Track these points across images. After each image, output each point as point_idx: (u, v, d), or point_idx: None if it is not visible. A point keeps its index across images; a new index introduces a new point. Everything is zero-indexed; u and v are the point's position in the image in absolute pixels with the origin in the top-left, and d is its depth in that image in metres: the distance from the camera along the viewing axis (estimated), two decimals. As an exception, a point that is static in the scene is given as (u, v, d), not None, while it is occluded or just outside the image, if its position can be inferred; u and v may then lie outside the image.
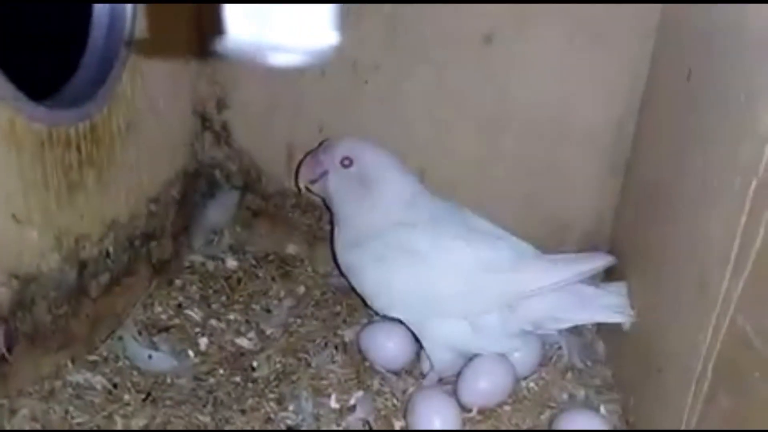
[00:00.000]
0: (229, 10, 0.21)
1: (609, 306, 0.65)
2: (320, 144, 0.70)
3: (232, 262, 0.82)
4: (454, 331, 0.64)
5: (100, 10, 0.59)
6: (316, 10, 0.21)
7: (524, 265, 0.64)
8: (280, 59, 0.20)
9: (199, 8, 0.68)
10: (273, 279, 0.80)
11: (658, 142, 0.65)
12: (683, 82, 0.58)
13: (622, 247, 0.72)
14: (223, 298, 0.76)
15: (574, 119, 0.73)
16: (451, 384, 0.66)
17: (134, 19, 0.60)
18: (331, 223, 0.72)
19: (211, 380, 0.65)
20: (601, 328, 0.72)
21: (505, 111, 0.74)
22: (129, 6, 0.60)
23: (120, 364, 0.64)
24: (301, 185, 0.69)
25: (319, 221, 0.82)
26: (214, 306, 0.75)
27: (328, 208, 0.71)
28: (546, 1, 0.67)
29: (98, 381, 0.61)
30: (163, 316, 0.72)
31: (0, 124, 0.48)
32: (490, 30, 0.70)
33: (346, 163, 0.66)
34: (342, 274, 0.71)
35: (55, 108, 0.54)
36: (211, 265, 0.81)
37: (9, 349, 0.52)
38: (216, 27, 0.21)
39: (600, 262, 0.65)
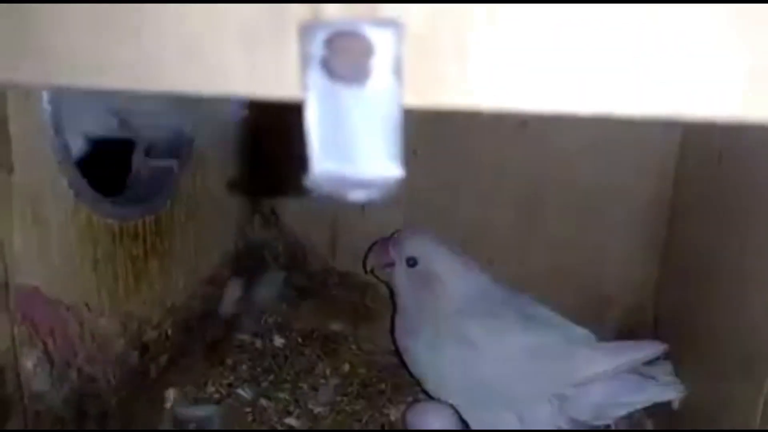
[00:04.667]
0: (312, 148, 0.25)
1: (661, 385, 0.65)
2: (394, 233, 0.73)
3: (279, 340, 0.84)
4: (500, 424, 0.64)
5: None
6: (384, 145, 0.25)
7: (576, 354, 0.64)
8: (357, 195, 0.24)
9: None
10: (319, 357, 0.82)
11: (694, 221, 0.67)
12: (714, 165, 0.60)
13: (665, 324, 0.72)
14: (272, 377, 0.78)
15: (611, 196, 0.75)
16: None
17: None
18: (393, 304, 0.75)
19: (262, 461, 0.67)
20: (649, 406, 0.71)
21: (542, 189, 0.77)
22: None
23: (176, 444, 0.67)
24: (367, 268, 0.73)
25: (363, 299, 0.85)
26: (263, 384, 0.77)
27: (391, 292, 0.74)
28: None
29: (156, 462, 0.63)
30: (216, 396, 0.74)
31: (80, 222, 0.53)
32: (525, 115, 0.74)
33: (411, 262, 0.69)
34: (400, 358, 0.73)
35: (126, 204, 0.59)
36: (259, 344, 0.83)
37: None
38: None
39: (652, 349, 0.65)
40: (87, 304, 0.56)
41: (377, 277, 0.75)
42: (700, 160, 0.66)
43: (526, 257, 0.79)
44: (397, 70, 0.23)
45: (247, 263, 0.85)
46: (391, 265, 0.71)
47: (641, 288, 0.77)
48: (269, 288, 0.87)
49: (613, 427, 0.69)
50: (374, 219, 0.81)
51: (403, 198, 0.79)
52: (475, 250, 0.80)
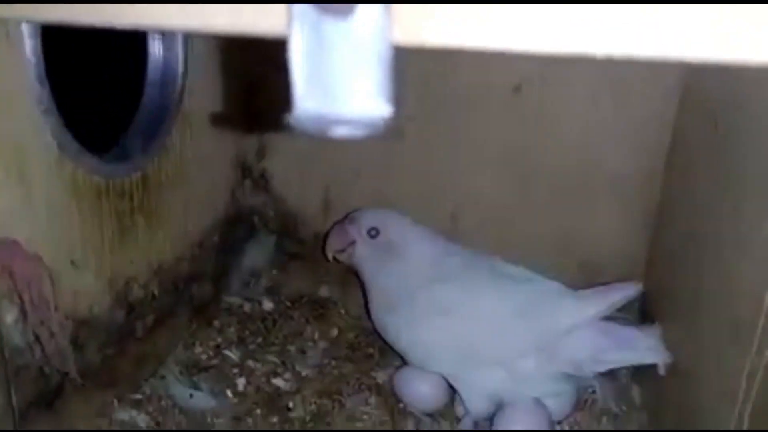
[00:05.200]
0: (296, 85, 0.24)
1: (646, 346, 0.65)
2: (346, 215, 0.73)
3: (268, 304, 0.84)
4: (490, 379, 0.65)
5: (153, 70, 0.64)
6: (372, 82, 0.24)
7: (555, 305, 0.65)
8: (341, 131, 0.23)
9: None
10: (307, 321, 0.82)
11: (688, 188, 0.66)
12: (711, 132, 0.59)
13: (655, 291, 0.72)
14: (260, 340, 0.78)
15: (603, 165, 0.75)
16: (486, 428, 0.66)
17: (185, 78, 0.65)
18: (362, 288, 0.74)
19: (249, 420, 0.67)
20: (636, 372, 0.72)
21: (535, 158, 0.76)
22: (180, 65, 0.65)
23: (163, 403, 0.66)
24: (329, 255, 0.73)
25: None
26: (251, 347, 0.77)
27: (357, 276, 0.74)
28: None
29: (142, 419, 0.63)
30: (203, 357, 0.74)
31: (64, 177, 0.52)
32: (519, 80, 0.73)
33: (373, 233, 0.69)
34: (379, 335, 0.73)
35: (112, 161, 0.58)
36: (248, 307, 0.83)
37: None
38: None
39: (629, 291, 0.66)
40: (72, 261, 0.55)
41: (339, 262, 0.74)
42: (696, 127, 0.65)
43: (518, 227, 0.78)
44: (385, 4, 0.22)
45: (238, 227, 0.84)
46: (353, 243, 0.70)
47: (632, 257, 0.77)
48: (259, 253, 0.87)
49: (598, 387, 0.69)
50: (367, 184, 0.81)
51: (394, 164, 0.79)
52: (466, 218, 0.80)
